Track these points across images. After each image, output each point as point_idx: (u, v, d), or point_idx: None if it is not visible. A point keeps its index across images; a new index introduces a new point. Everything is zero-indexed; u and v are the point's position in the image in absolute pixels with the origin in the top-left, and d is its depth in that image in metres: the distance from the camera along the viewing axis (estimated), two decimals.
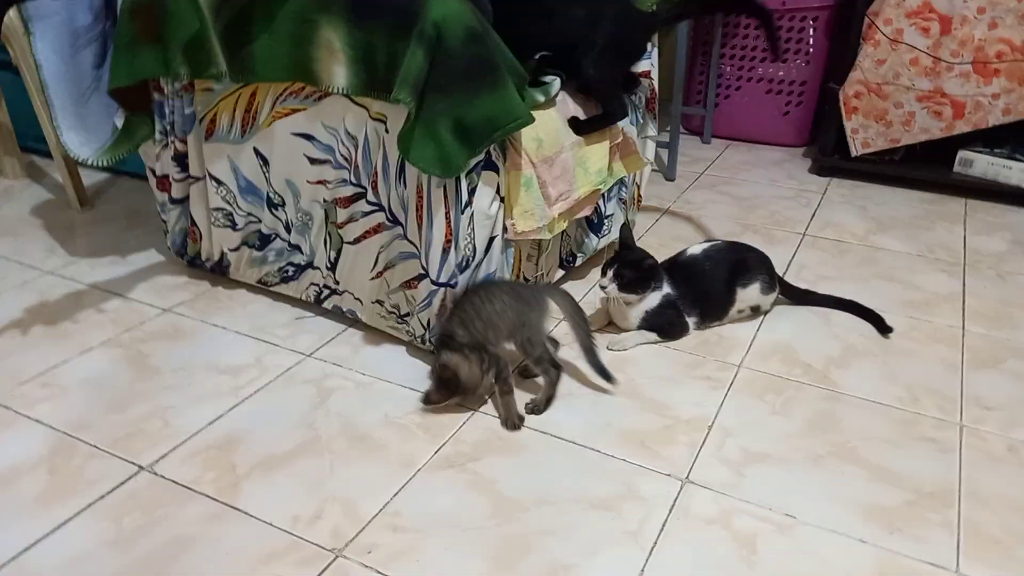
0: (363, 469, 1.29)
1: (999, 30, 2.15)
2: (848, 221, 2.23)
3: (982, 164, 2.35)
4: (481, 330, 1.39)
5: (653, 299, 1.63)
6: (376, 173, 1.47)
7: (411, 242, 1.49)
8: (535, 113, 1.44)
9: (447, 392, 1.39)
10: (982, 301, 1.79)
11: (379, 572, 1.09)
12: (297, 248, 1.67)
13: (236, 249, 1.76)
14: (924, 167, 2.44)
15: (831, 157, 2.54)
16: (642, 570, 1.10)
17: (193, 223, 1.79)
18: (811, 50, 2.68)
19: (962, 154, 2.37)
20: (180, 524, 1.17)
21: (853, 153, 2.47)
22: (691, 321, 1.67)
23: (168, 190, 1.78)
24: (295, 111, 1.51)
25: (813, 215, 2.28)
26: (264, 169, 1.62)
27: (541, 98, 1.53)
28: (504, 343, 1.43)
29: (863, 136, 2.44)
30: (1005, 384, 1.50)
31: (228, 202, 1.70)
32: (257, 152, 1.60)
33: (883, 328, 1.66)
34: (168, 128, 1.68)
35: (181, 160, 1.71)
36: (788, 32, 2.69)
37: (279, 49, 1.42)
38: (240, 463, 1.30)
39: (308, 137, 1.52)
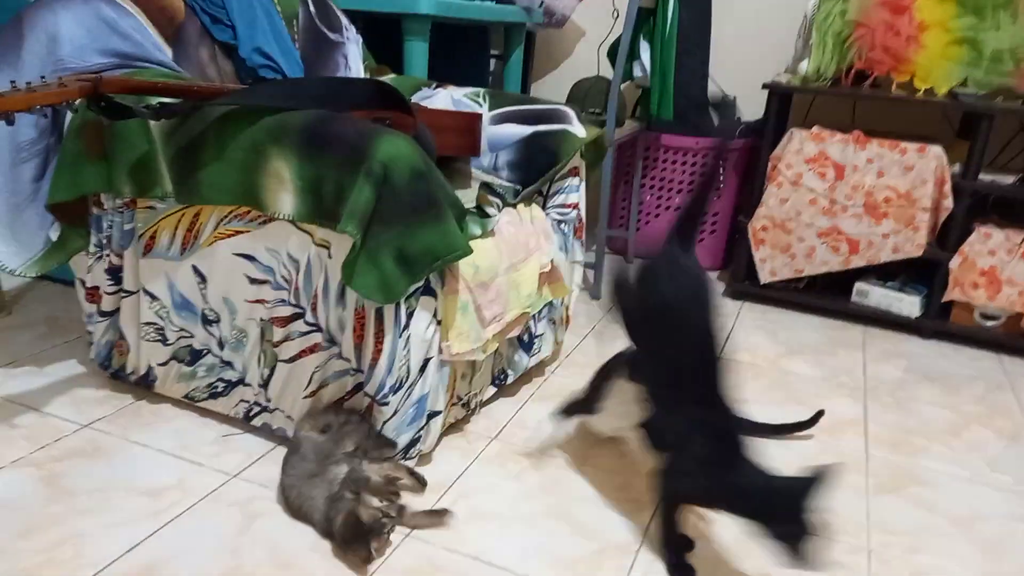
0: None
1: (886, 178, 2.41)
2: (760, 344, 2.38)
3: (876, 295, 2.57)
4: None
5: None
6: (316, 295, 1.51)
7: (346, 359, 1.51)
8: (474, 243, 1.52)
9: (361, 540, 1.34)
10: (883, 427, 1.93)
11: None
12: (229, 364, 1.67)
13: (165, 363, 1.73)
14: (826, 296, 2.65)
15: (742, 283, 2.72)
16: None
17: (122, 336, 1.76)
18: (723, 185, 2.93)
19: (858, 285, 2.59)
20: None
21: (762, 280, 2.66)
22: None
23: (98, 302, 1.76)
24: (238, 232, 1.55)
25: (727, 338, 2.42)
26: (201, 286, 1.63)
27: (478, 231, 1.62)
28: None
29: (770, 265, 2.64)
30: (907, 510, 1.60)
31: (161, 317, 1.69)
32: (196, 270, 1.62)
33: (813, 420, 1.78)
34: (104, 242, 1.68)
35: (115, 274, 1.70)
36: (702, 167, 2.93)
37: (228, 175, 1.47)
38: None
39: (249, 258, 1.55)
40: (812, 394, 2.08)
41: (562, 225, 2.04)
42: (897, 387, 2.15)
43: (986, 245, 2.35)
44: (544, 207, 2.05)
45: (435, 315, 1.53)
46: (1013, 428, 1.97)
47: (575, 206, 2.09)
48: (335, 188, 1.38)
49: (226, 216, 1.55)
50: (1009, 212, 2.47)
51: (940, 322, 2.49)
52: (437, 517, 1.45)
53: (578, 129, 2.02)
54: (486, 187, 1.83)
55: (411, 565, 1.35)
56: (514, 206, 1.84)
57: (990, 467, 1.78)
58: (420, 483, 1.54)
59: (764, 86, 2.57)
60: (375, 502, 1.37)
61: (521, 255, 1.80)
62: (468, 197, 1.83)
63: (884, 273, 2.61)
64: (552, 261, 1.93)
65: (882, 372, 2.24)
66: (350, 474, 1.41)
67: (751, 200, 2.65)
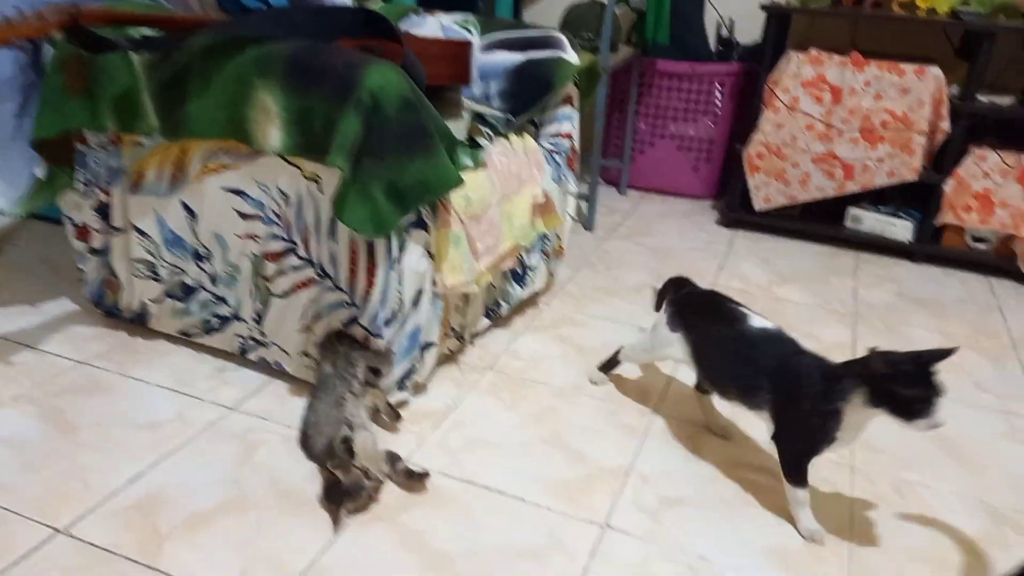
0: (290, 525, 1.29)
1: (883, 102, 2.38)
2: (753, 272, 2.39)
3: (870, 221, 2.56)
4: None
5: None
6: (308, 229, 1.50)
7: (342, 290, 1.52)
8: (466, 175, 1.51)
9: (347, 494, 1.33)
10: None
11: None
12: (223, 300, 1.67)
13: (158, 300, 1.74)
14: (819, 222, 2.65)
15: (736, 211, 2.71)
16: None
17: (113, 273, 1.76)
18: (718, 112, 2.88)
19: (852, 211, 2.59)
20: None
21: (756, 208, 2.65)
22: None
23: (87, 240, 1.75)
24: (227, 167, 1.53)
25: (721, 266, 2.43)
26: (191, 222, 1.62)
27: (470, 163, 1.60)
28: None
29: (765, 192, 2.63)
30: (892, 430, 1.63)
31: (151, 254, 1.69)
32: (185, 205, 1.60)
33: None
34: (91, 179, 1.66)
35: (103, 211, 1.69)
36: (697, 94, 2.88)
37: (214, 109, 1.44)
38: (162, 523, 1.28)
39: (239, 193, 1.54)
40: (804, 320, 2.10)
41: (555, 155, 2.02)
42: (887, 311, 2.18)
43: (981, 167, 2.34)
44: (537, 137, 2.02)
45: (427, 248, 1.53)
46: (1000, 349, 2.00)
47: (568, 136, 2.06)
48: (323, 120, 1.35)
49: (213, 151, 1.53)
50: (1006, 134, 2.45)
51: (932, 246, 2.50)
52: (417, 480, 1.40)
53: (571, 56, 1.97)
54: (478, 118, 1.80)
55: (407, 492, 1.38)
56: (506, 136, 1.81)
57: (976, 387, 1.81)
58: (395, 418, 1.56)
59: (762, 7, 2.50)
60: (363, 462, 1.34)
61: (513, 186, 1.79)
62: (459, 127, 1.81)
63: (878, 199, 2.60)
64: (545, 192, 1.91)
65: (873, 297, 2.26)
66: (343, 427, 1.38)
67: (747, 126, 2.62)
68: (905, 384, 1.19)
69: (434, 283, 1.58)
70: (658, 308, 1.63)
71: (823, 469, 1.50)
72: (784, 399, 1.32)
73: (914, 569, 1.27)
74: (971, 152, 2.35)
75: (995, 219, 2.36)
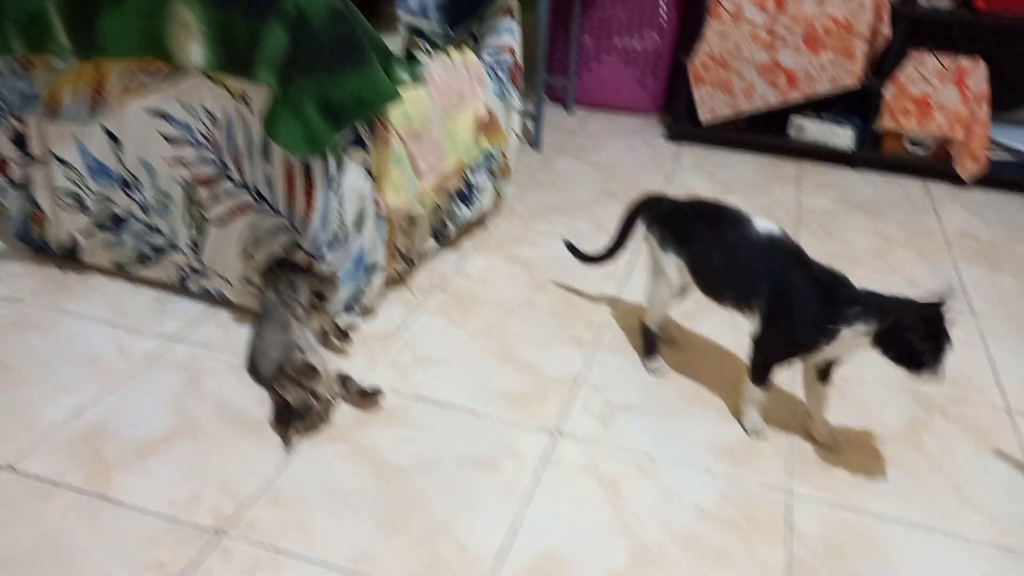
0: (242, 449, 1.29)
1: (826, 7, 2.36)
2: (699, 184, 2.40)
3: (812, 129, 2.58)
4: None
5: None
6: (240, 152, 1.45)
7: (280, 214, 1.48)
8: (404, 91, 1.46)
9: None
10: (812, 254, 1.99)
11: (264, 545, 1.11)
12: (156, 229, 1.62)
13: (87, 232, 1.67)
14: (763, 133, 2.66)
15: (683, 124, 2.71)
16: (518, 519, 1.18)
17: (37, 206, 1.68)
18: (664, 23, 2.83)
19: (795, 120, 2.60)
20: (48, 519, 1.14)
21: (702, 120, 2.64)
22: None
23: (6, 172, 1.66)
24: (148, 88, 1.45)
25: (667, 179, 2.43)
26: (115, 149, 1.54)
27: (409, 79, 1.55)
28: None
29: (710, 104, 2.62)
30: None
31: (76, 184, 1.61)
32: (107, 131, 1.53)
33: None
34: (3, 107, 1.57)
35: (20, 141, 1.60)
36: (641, 5, 2.82)
37: (129, 24, 1.35)
38: (109, 453, 1.26)
39: (164, 115, 1.47)
40: None
41: (497, 70, 1.96)
42: (827, 217, 2.22)
43: (919, 72, 2.36)
44: (477, 51, 1.96)
45: (367, 167, 1.49)
46: (934, 248, 2.06)
47: (510, 49, 2.00)
48: (246, 34, 1.29)
49: (132, 71, 1.45)
50: (944, 37, 2.46)
51: (872, 152, 2.54)
52: (370, 399, 1.40)
53: None
54: (415, 32, 1.73)
55: (359, 411, 1.39)
56: (445, 51, 1.75)
57: (910, 284, 1.88)
58: (344, 338, 1.54)
59: None
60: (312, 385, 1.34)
61: (455, 102, 1.74)
62: (395, 42, 1.74)
63: (820, 107, 2.61)
64: (488, 108, 1.87)
65: (814, 203, 2.30)
66: (290, 350, 1.38)
67: (692, 37, 2.58)
68: (922, 336, 1.14)
69: (377, 204, 1.55)
70: (624, 234, 1.56)
71: None
72: (783, 307, 1.28)
73: (848, 458, 1.33)
74: (910, 56, 2.36)
75: (932, 123, 2.40)
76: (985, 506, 1.25)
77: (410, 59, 1.67)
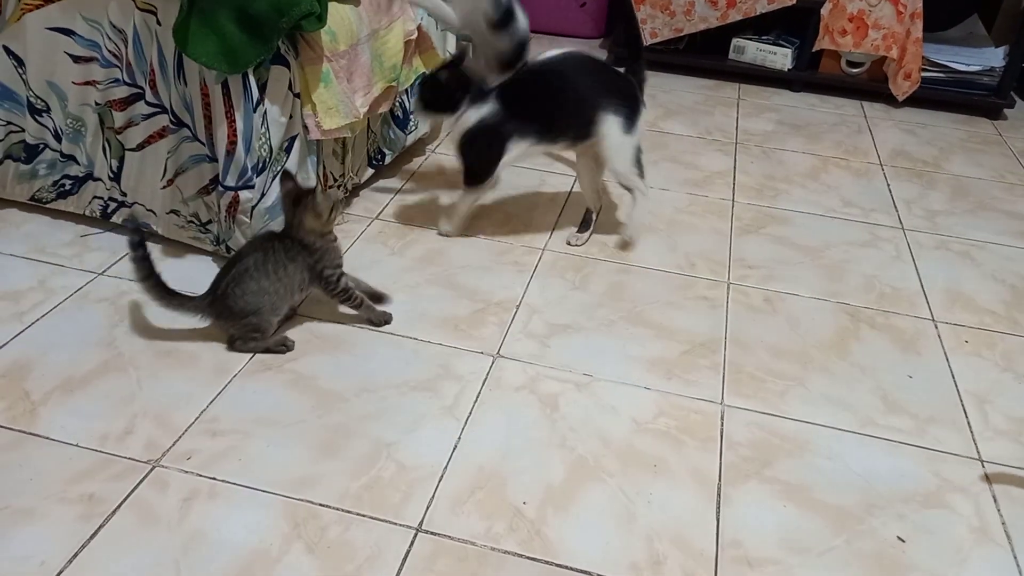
0: (174, 381, 1.26)
1: None
2: None
3: (752, 51, 2.57)
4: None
5: (468, 119, 1.54)
6: (153, 71, 1.37)
7: (202, 143, 1.41)
8: (331, 7, 1.39)
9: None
10: (749, 176, 2.02)
11: (199, 475, 1.10)
12: (72, 158, 1.53)
13: None
14: (704, 55, 2.63)
15: (624, 47, 2.66)
16: (458, 438, 1.19)
17: None
18: None
19: (735, 42, 2.58)
20: None
21: (643, 42, 2.60)
22: (523, 144, 1.56)
23: None
24: (48, 2, 1.35)
25: None
26: (20, 71, 1.44)
27: None
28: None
29: (651, 26, 2.58)
30: (764, 246, 1.73)
31: None
32: (8, 51, 1.42)
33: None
34: None
35: None
36: None
37: None
38: (34, 389, 1.22)
39: (67, 32, 1.37)
40: (687, 151, 2.13)
41: None
42: (765, 139, 2.23)
43: None
44: None
45: (291, 87, 1.43)
46: (867, 167, 2.10)
47: None
48: None
49: None
50: None
51: (809, 74, 2.55)
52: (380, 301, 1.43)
53: None
54: None
55: (296, 339, 1.36)
56: None
57: (842, 203, 1.91)
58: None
59: None
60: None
61: (383, 21, 1.67)
62: None
63: (760, 29, 2.59)
64: (420, 27, 1.80)
65: (753, 126, 2.31)
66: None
67: None
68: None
69: (305, 128, 1.49)
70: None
71: (701, 289, 1.57)
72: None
73: (780, 367, 1.37)
74: None
75: (868, 41, 2.41)
76: (908, 409, 1.30)
77: None
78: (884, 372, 1.38)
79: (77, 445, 1.13)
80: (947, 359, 1.42)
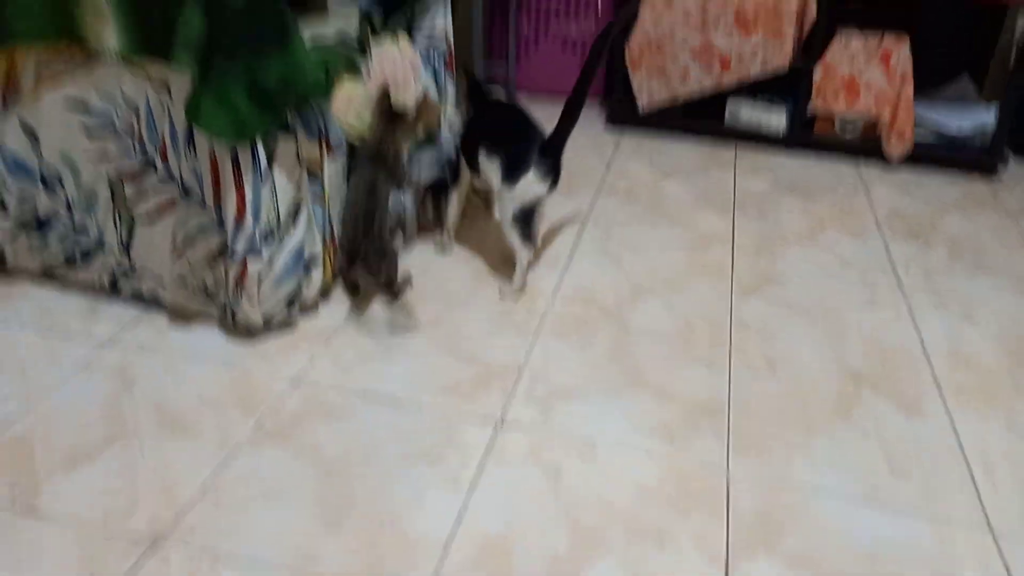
0: (178, 452, 1.26)
1: None
2: (638, 170, 2.43)
3: (747, 113, 2.63)
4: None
5: None
6: (164, 143, 1.40)
7: (211, 213, 1.44)
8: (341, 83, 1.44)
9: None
10: (747, 236, 2.04)
11: (204, 550, 1.09)
12: (83, 230, 1.56)
13: (10, 235, 1.60)
14: (700, 118, 2.69)
15: (622, 111, 2.73)
16: (462, 510, 1.18)
17: None
18: (599, 8, 2.84)
19: (730, 104, 2.64)
20: None
21: (640, 109, 2.67)
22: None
23: None
24: (64, 77, 1.40)
25: (608, 166, 2.45)
26: (33, 144, 1.48)
27: (353, 70, 1.52)
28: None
29: (648, 90, 2.64)
30: (764, 306, 1.74)
31: None
32: (24, 125, 1.47)
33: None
34: None
35: None
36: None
37: (37, 5, 1.30)
38: (39, 465, 1.22)
39: (82, 106, 1.41)
40: (685, 211, 2.16)
41: (431, 55, 1.95)
42: (762, 199, 2.27)
43: (846, 52, 2.42)
44: (410, 37, 1.94)
45: (298, 156, 1.46)
46: (863, 227, 2.13)
47: (443, 34, 1.99)
48: (161, 15, 1.24)
49: (47, 59, 1.39)
50: (869, 17, 2.53)
51: (804, 135, 2.60)
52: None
53: None
54: (366, 17, 1.69)
55: (300, 408, 1.37)
56: (383, 38, 1.72)
57: (841, 263, 1.93)
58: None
59: None
60: None
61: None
62: (325, 29, 1.71)
63: (754, 92, 2.66)
64: (424, 93, 1.85)
65: (750, 186, 2.35)
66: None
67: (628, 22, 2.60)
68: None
69: (313, 196, 1.52)
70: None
71: (702, 350, 1.58)
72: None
73: (783, 432, 1.37)
74: (837, 37, 2.42)
75: (861, 103, 2.47)
76: (914, 473, 1.30)
77: (361, 50, 1.64)
78: (888, 435, 1.38)
79: (81, 521, 1.13)
80: (952, 421, 1.42)
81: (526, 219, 1.65)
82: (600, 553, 1.12)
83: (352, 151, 1.57)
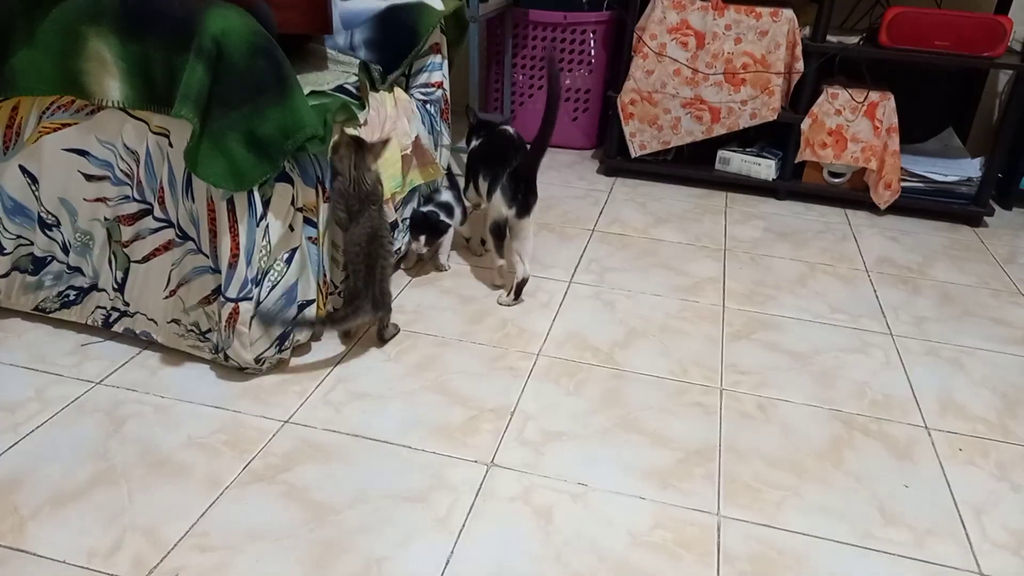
0: (165, 494, 1.25)
1: (743, 44, 2.47)
2: (631, 217, 2.46)
3: (737, 162, 2.68)
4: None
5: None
6: (162, 188, 1.43)
7: (205, 255, 1.46)
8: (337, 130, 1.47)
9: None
10: (739, 282, 2.07)
11: None
12: (78, 270, 1.57)
13: (5, 275, 1.62)
14: (691, 166, 2.75)
15: (615, 159, 2.78)
16: (451, 553, 1.17)
17: None
18: (592, 60, 2.92)
19: (721, 153, 2.70)
20: None
21: (632, 154, 2.72)
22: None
23: None
24: (65, 125, 1.43)
25: (601, 212, 2.49)
26: (33, 188, 1.51)
27: (350, 117, 1.56)
28: None
29: (640, 139, 2.70)
30: (756, 352, 1.75)
31: None
32: (24, 170, 1.49)
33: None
34: None
35: None
36: (571, 44, 2.91)
37: (43, 61, 1.34)
38: (23, 503, 1.21)
39: (82, 153, 1.44)
40: (677, 257, 2.19)
41: (428, 106, 1.99)
42: (753, 246, 2.30)
43: (833, 105, 2.48)
44: (407, 87, 1.99)
45: (293, 202, 1.49)
46: (853, 274, 2.15)
47: (439, 85, 2.04)
48: (164, 69, 1.28)
49: (48, 108, 1.42)
50: (855, 72, 2.60)
51: (793, 183, 2.64)
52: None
53: (436, 2, 1.94)
54: (364, 67, 1.73)
55: (290, 449, 1.37)
56: (377, 90, 1.77)
57: (830, 309, 1.95)
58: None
59: None
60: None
61: (377, 137, 1.75)
62: (325, 79, 1.75)
63: (744, 141, 2.72)
64: (417, 141, 1.89)
65: (741, 233, 2.38)
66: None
67: (620, 74, 2.67)
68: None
69: (310, 240, 1.54)
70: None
71: (696, 395, 1.58)
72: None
73: (775, 476, 1.37)
74: (824, 91, 2.49)
75: (848, 154, 2.52)
76: (905, 520, 1.29)
77: (359, 100, 1.68)
78: (880, 481, 1.37)
79: (64, 562, 1.11)
80: (942, 468, 1.42)
81: (499, 233, 1.87)
82: None
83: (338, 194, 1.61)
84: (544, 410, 1.51)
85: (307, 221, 1.53)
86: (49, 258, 1.58)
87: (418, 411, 1.48)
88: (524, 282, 1.88)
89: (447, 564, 1.15)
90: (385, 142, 1.59)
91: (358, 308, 1.57)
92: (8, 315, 1.68)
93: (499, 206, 1.82)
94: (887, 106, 2.45)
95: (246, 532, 1.18)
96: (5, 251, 1.59)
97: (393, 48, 1.90)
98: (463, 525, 1.22)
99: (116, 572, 1.10)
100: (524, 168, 1.82)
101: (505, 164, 1.84)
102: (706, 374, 1.65)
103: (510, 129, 1.99)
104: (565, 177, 2.78)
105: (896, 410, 1.57)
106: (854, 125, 2.48)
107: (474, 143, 2.00)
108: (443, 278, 2.01)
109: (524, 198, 1.81)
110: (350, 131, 1.56)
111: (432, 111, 2.01)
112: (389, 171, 1.75)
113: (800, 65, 2.46)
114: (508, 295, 1.90)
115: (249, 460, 1.33)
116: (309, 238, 1.54)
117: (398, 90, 1.86)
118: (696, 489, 1.33)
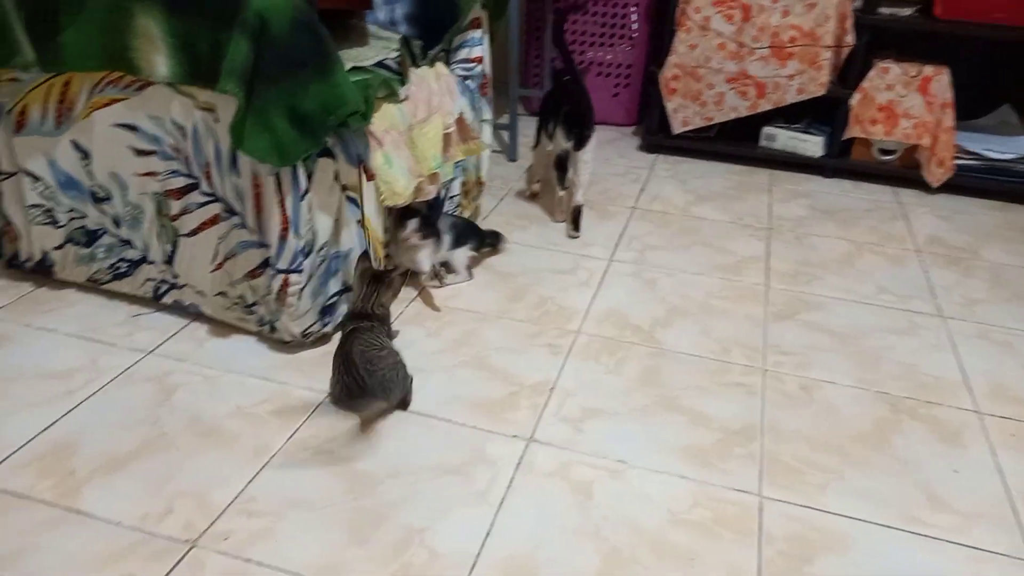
0: (214, 461, 1.29)
1: (790, 17, 2.41)
2: (672, 194, 2.43)
3: (783, 138, 2.62)
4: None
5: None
6: (209, 163, 1.45)
7: (251, 230, 1.48)
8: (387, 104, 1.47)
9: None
10: (783, 261, 2.03)
11: (235, 557, 1.11)
12: (128, 243, 1.61)
13: (60, 247, 1.66)
14: (735, 142, 2.69)
15: (656, 135, 2.74)
16: (491, 525, 1.18)
17: (8, 222, 1.67)
18: (635, 35, 2.87)
19: (766, 130, 2.64)
20: (15, 534, 1.13)
21: (674, 131, 2.68)
22: None
23: None
24: (115, 101, 1.46)
25: (642, 190, 2.46)
26: (85, 163, 1.54)
27: (389, 92, 1.56)
28: None
29: (682, 115, 2.65)
30: (799, 332, 1.72)
31: (47, 198, 1.61)
32: (76, 145, 1.53)
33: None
34: None
35: None
36: (613, 18, 2.86)
37: (92, 38, 1.36)
38: (79, 467, 1.25)
39: (132, 128, 1.47)
40: (719, 236, 2.15)
41: (468, 81, 1.98)
42: (798, 224, 2.25)
43: (884, 80, 2.40)
44: (448, 63, 1.98)
45: (336, 177, 1.50)
46: (902, 253, 2.10)
47: (479, 60, 2.02)
48: (210, 44, 1.29)
49: (99, 83, 1.45)
50: (907, 45, 2.51)
51: (841, 160, 2.58)
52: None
53: None
54: (405, 43, 1.73)
55: (333, 420, 1.39)
56: (418, 65, 1.76)
57: (877, 289, 1.91)
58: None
59: None
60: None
61: (423, 115, 1.75)
62: (366, 55, 1.76)
63: (790, 116, 2.65)
64: (460, 118, 1.89)
65: (786, 211, 2.34)
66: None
67: (663, 48, 2.62)
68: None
69: (361, 218, 1.55)
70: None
71: (737, 375, 1.57)
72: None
73: (818, 458, 1.35)
74: (875, 65, 2.41)
75: (899, 130, 2.44)
76: (952, 505, 1.26)
77: (400, 75, 1.67)
78: (927, 466, 1.35)
79: (118, 524, 1.15)
80: (993, 453, 1.38)
81: (561, 165, 2.14)
82: (629, 575, 1.11)
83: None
84: (583, 387, 1.51)
85: (350, 200, 1.54)
86: (101, 231, 1.62)
87: (457, 386, 1.50)
88: (578, 210, 2.12)
89: (487, 537, 1.16)
90: (405, 274, 1.45)
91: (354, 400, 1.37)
92: (63, 286, 1.73)
93: (560, 141, 2.10)
94: (941, 81, 2.37)
95: (291, 500, 1.21)
96: (60, 223, 1.63)
97: (435, 23, 1.89)
98: (502, 499, 1.23)
99: (169, 534, 1.14)
100: (579, 106, 2.08)
101: (561, 108, 2.11)
102: (748, 354, 1.63)
103: (572, 80, 2.19)
104: (606, 154, 2.75)
105: (946, 393, 1.54)
106: (906, 100, 2.40)
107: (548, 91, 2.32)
108: (483, 253, 2.00)
109: (580, 131, 2.06)
110: (375, 266, 1.52)
111: (472, 87, 2.00)
112: (431, 151, 1.75)
113: (850, 38, 2.39)
114: (569, 226, 2.14)
115: (295, 430, 1.36)
116: (357, 221, 1.55)
117: (440, 65, 1.85)
118: (736, 469, 1.32)
